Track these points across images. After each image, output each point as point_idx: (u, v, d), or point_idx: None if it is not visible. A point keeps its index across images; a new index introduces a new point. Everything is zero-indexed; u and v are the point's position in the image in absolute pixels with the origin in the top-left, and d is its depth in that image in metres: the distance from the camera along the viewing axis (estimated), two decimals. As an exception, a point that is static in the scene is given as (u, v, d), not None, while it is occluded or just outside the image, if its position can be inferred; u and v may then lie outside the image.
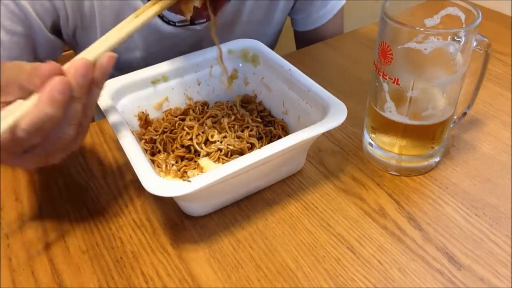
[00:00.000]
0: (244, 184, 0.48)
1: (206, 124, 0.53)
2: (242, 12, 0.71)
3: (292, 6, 0.78)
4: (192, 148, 0.50)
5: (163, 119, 0.55)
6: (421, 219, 0.47)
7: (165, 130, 0.53)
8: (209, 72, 0.58)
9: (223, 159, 0.49)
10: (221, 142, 0.50)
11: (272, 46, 0.83)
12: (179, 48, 0.69)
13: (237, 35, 0.73)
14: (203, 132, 0.51)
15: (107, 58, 0.40)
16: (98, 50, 0.41)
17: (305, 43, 0.84)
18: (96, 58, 0.40)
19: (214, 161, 0.49)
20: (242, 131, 0.52)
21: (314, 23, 0.81)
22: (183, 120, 0.54)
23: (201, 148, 0.50)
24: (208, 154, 0.49)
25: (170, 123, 0.54)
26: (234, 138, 0.51)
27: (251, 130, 0.52)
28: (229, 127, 0.52)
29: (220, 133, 0.51)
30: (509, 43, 0.75)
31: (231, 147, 0.49)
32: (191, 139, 0.51)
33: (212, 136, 0.50)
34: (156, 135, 0.52)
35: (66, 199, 0.51)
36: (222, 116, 0.54)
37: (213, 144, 0.50)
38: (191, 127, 0.52)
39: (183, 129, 0.52)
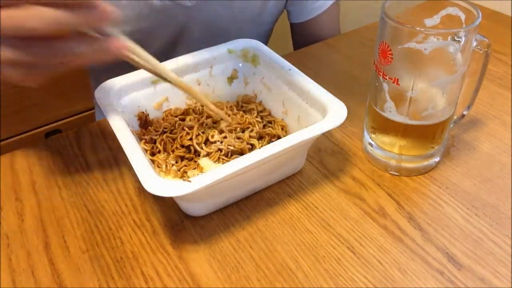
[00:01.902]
0: (244, 184, 0.48)
1: (206, 124, 0.52)
2: None
3: None
4: (192, 148, 0.50)
5: (163, 119, 0.55)
6: (421, 219, 0.47)
7: (165, 130, 0.53)
8: (209, 72, 0.58)
9: (223, 159, 0.49)
10: (221, 143, 0.50)
11: (266, 38, 0.84)
12: (167, 24, 0.69)
13: (228, 21, 0.74)
14: (203, 132, 0.51)
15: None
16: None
17: (300, 36, 0.85)
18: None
19: (214, 161, 0.49)
20: (243, 131, 0.52)
21: (309, 14, 0.81)
22: (183, 120, 0.54)
23: (201, 148, 0.50)
24: (208, 154, 0.49)
25: (170, 123, 0.54)
26: (234, 138, 0.51)
27: (251, 131, 0.52)
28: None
29: (220, 133, 0.51)
30: (509, 43, 0.75)
31: (231, 148, 0.49)
32: (191, 139, 0.51)
33: (212, 136, 0.50)
34: (156, 135, 0.52)
35: (66, 199, 0.51)
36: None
37: (213, 144, 0.50)
38: (191, 127, 0.52)
39: (183, 129, 0.52)
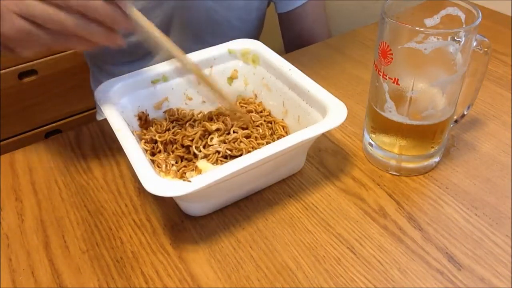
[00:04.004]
0: (244, 184, 0.48)
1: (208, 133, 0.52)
2: None
3: None
4: (191, 149, 0.50)
5: (165, 119, 0.55)
6: (421, 219, 0.47)
7: (167, 129, 0.53)
8: (209, 72, 0.58)
9: (221, 161, 0.49)
10: (219, 146, 0.50)
11: (256, 34, 0.85)
12: (160, 4, 0.71)
13: (218, 21, 0.76)
14: (204, 137, 0.51)
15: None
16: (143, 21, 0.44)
17: (288, 28, 0.87)
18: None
19: (213, 163, 0.49)
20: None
21: (295, 3, 0.83)
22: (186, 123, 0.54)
23: (199, 151, 0.49)
24: (206, 156, 0.49)
25: (172, 122, 0.54)
26: (233, 142, 0.50)
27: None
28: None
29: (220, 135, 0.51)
30: (509, 43, 0.75)
31: (229, 153, 0.49)
32: (191, 140, 0.50)
33: (211, 139, 0.50)
34: (159, 135, 0.52)
35: (66, 199, 0.51)
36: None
37: (211, 147, 0.50)
38: (195, 132, 0.51)
39: (185, 129, 0.52)
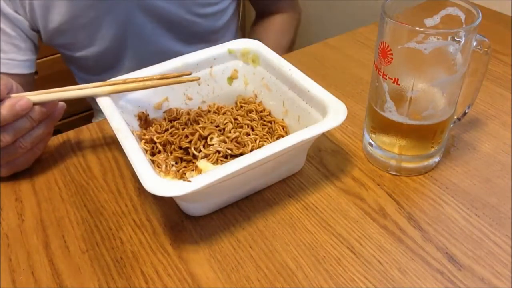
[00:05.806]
0: (244, 184, 0.48)
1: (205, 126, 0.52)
2: None
3: None
4: (190, 151, 0.50)
5: (164, 119, 0.55)
6: (421, 219, 0.47)
7: (166, 130, 0.53)
8: (209, 72, 0.58)
9: (221, 160, 0.49)
10: (219, 145, 0.50)
11: (226, 27, 0.85)
12: (112, 9, 0.73)
13: (172, 19, 0.76)
14: (203, 138, 0.51)
15: (60, 107, 0.51)
16: (51, 96, 0.50)
17: (262, 11, 0.92)
18: (45, 101, 0.49)
19: (213, 163, 0.49)
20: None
21: None
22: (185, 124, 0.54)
23: (199, 151, 0.49)
24: (206, 156, 0.49)
25: (171, 122, 0.54)
26: (233, 142, 0.50)
27: (248, 135, 0.52)
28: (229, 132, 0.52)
29: (221, 134, 0.51)
30: (509, 43, 0.75)
31: (229, 152, 0.49)
32: (190, 141, 0.50)
33: (211, 139, 0.50)
34: (157, 136, 0.52)
35: (66, 199, 0.51)
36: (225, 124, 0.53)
37: (211, 146, 0.50)
38: (193, 133, 0.51)
39: (183, 129, 0.52)
